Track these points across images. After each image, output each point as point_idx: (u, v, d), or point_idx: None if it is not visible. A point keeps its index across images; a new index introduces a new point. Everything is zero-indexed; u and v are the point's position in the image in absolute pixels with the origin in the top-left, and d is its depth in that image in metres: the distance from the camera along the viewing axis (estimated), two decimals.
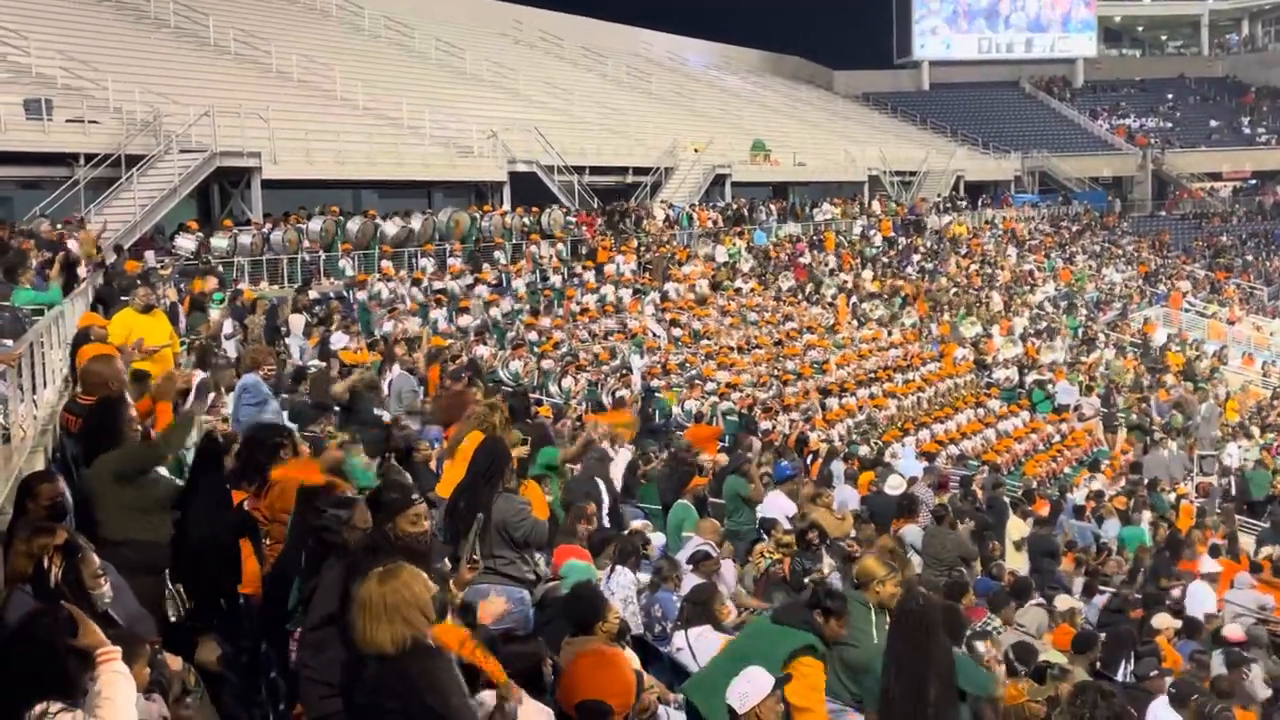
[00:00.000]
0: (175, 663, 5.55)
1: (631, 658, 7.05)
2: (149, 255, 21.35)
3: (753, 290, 31.28)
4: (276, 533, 6.59)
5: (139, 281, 13.94)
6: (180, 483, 7.20)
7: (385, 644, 4.50)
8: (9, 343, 9.16)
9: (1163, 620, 12.97)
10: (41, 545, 5.47)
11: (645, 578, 9.10)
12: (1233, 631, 13.03)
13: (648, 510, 12.69)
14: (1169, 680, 10.02)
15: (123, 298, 14.03)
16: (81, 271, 15.85)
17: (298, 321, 18.67)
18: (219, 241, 22.98)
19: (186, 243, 22.58)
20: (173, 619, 6.91)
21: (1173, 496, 24.36)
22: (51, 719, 4.06)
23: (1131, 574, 16.38)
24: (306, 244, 24.69)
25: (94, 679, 4.14)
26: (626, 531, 10.17)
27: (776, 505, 13.05)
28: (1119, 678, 10.87)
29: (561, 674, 4.76)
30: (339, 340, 18.09)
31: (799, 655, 6.31)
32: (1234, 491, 25.93)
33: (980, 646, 8.81)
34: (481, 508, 7.01)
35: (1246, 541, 20.40)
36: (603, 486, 10.96)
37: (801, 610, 6.74)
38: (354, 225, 25.80)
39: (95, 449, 7.11)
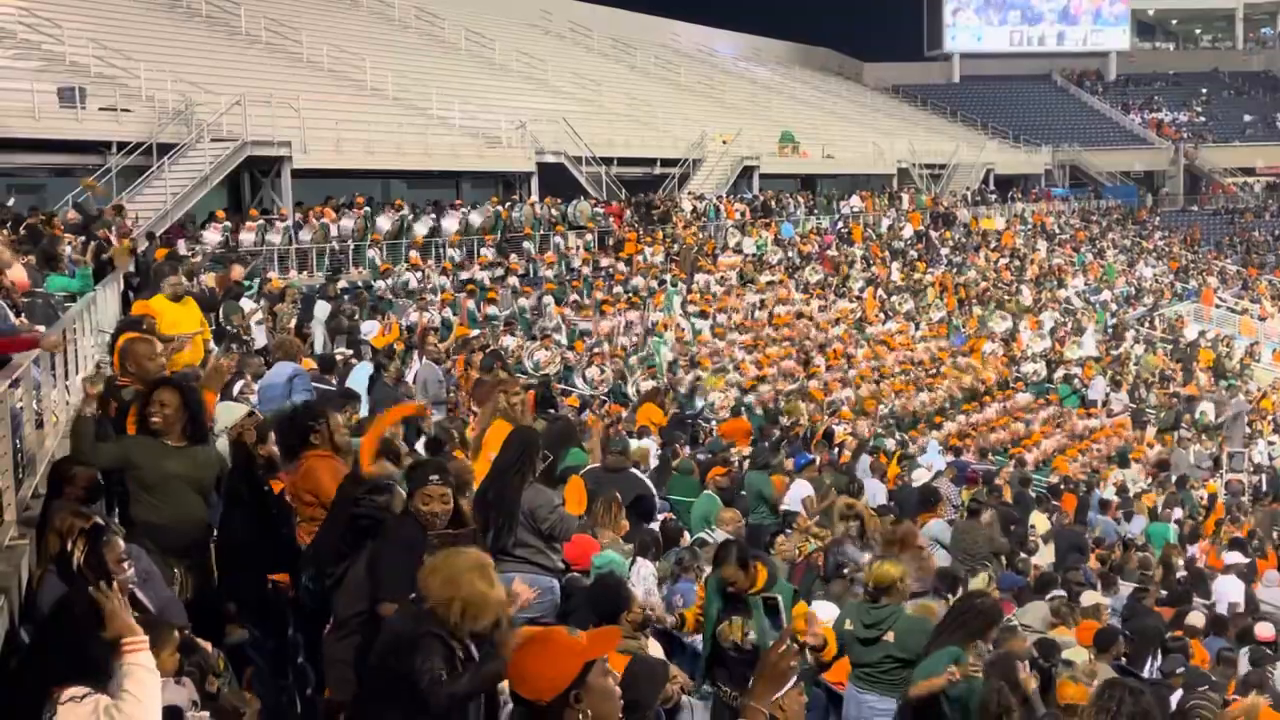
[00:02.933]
0: (205, 647, 5.62)
1: (655, 648, 7.10)
2: (180, 244, 21.50)
3: (780, 282, 31.23)
4: (305, 513, 6.65)
5: (170, 269, 13.99)
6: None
7: (435, 593, 4.65)
8: (42, 328, 9.24)
9: (1196, 618, 12.94)
10: (71, 526, 5.54)
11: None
12: (1263, 630, 12.97)
13: (676, 502, 12.68)
14: (1181, 671, 10.05)
15: (164, 280, 14.08)
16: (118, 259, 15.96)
17: (323, 309, 18.76)
18: (246, 236, 23.06)
19: (213, 235, 22.67)
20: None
21: (1203, 494, 24.23)
22: (76, 702, 4.11)
23: (1165, 570, 16.31)
24: (334, 234, 24.77)
25: (119, 667, 4.17)
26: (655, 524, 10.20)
27: (798, 492, 13.01)
28: (1145, 674, 10.84)
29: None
30: (369, 328, 18.18)
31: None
32: (1265, 488, 25.75)
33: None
34: (511, 497, 7.04)
35: None
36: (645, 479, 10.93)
37: None
38: (385, 223, 25.88)
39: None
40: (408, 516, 5.90)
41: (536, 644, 4.02)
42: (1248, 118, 67.15)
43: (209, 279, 17.21)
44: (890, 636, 7.42)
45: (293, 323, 17.03)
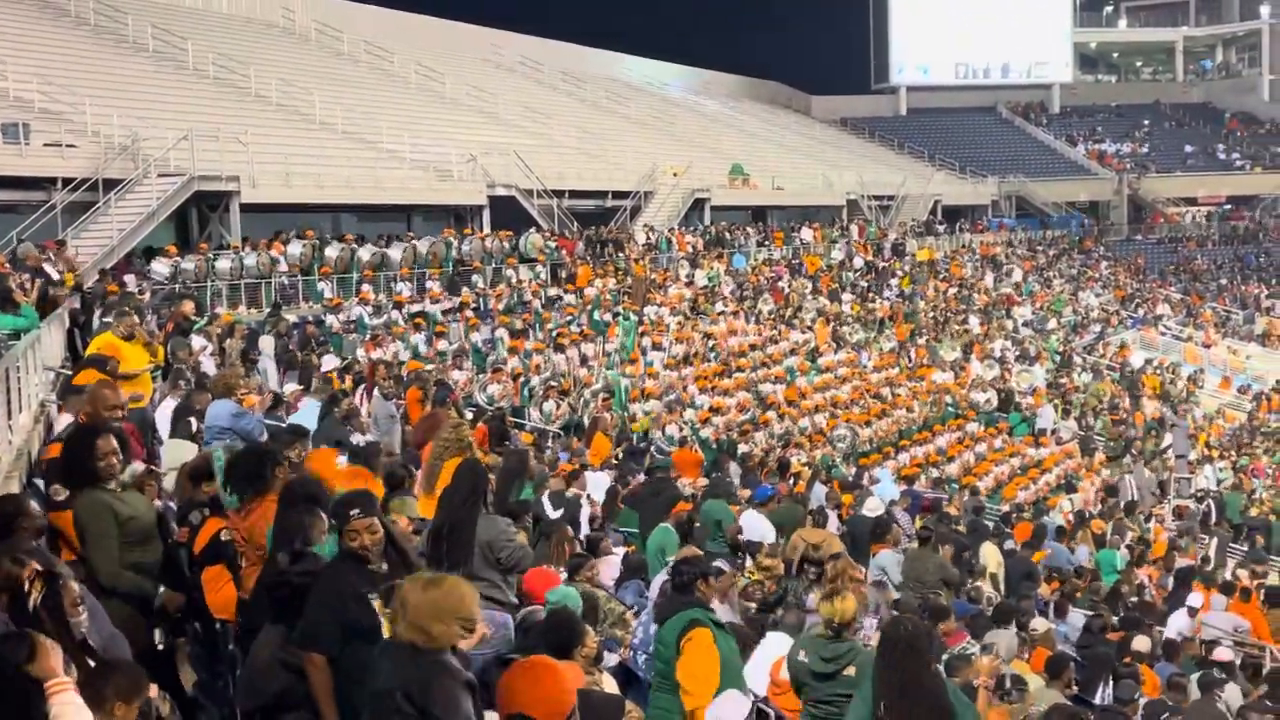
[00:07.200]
0: (151, 690, 5.51)
1: (610, 683, 7.04)
2: (129, 279, 21.26)
3: (733, 314, 31.31)
4: (251, 556, 6.57)
5: (124, 309, 13.81)
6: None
7: (432, 639, 4.50)
8: None
9: (1143, 643, 13.00)
10: (9, 574, 5.43)
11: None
12: (1224, 653, 13.06)
13: (628, 534, 12.62)
14: (1143, 702, 10.04)
15: (105, 319, 13.94)
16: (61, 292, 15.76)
17: (268, 344, 18.56)
18: (188, 265, 22.84)
19: (161, 268, 22.46)
20: (160, 646, 6.89)
21: (1147, 520, 24.45)
22: None
23: (1111, 596, 16.42)
24: (284, 267, 24.59)
25: (47, 711, 4.20)
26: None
27: (756, 526, 12.97)
28: (1097, 700, 10.89)
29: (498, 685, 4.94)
30: (330, 363, 17.99)
31: (686, 631, 6.83)
32: (1213, 514, 26.04)
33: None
34: (466, 529, 7.00)
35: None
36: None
37: (677, 598, 7.24)
38: (332, 252, 25.77)
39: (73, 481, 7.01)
40: (339, 564, 5.68)
41: (539, 675, 4.09)
42: (1189, 148, 68.42)
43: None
44: (851, 671, 7.27)
45: (238, 359, 16.83)
